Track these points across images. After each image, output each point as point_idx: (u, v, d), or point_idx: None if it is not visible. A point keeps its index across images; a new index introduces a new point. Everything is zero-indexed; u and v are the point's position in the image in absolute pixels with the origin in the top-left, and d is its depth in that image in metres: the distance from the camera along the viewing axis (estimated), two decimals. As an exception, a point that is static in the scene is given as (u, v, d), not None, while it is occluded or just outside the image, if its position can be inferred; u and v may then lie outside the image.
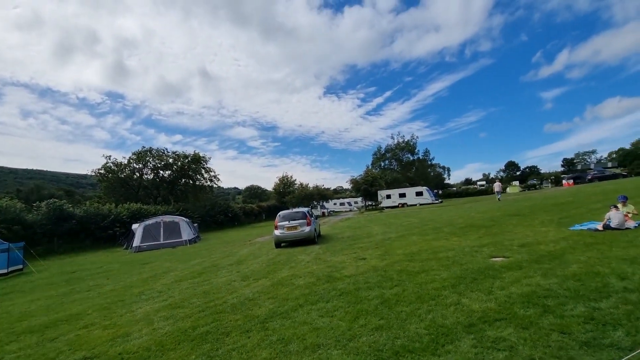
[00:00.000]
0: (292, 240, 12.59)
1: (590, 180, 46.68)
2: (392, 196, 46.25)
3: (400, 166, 69.46)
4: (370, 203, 46.64)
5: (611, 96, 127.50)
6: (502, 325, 3.39)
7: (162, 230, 20.75)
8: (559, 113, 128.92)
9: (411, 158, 71.56)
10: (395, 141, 71.46)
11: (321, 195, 48.09)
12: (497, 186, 31.30)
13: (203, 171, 45.46)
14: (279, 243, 12.76)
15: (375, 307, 4.46)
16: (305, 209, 13.89)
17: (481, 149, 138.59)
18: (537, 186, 58.54)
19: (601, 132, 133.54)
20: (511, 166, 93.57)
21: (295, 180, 54.93)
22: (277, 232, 12.59)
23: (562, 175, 62.06)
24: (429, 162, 74.66)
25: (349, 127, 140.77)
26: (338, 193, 76.04)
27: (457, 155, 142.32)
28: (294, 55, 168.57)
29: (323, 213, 45.97)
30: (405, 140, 71.26)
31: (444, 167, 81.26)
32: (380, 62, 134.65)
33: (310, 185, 50.73)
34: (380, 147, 71.91)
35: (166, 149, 44.43)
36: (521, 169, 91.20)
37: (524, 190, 52.00)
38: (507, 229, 10.15)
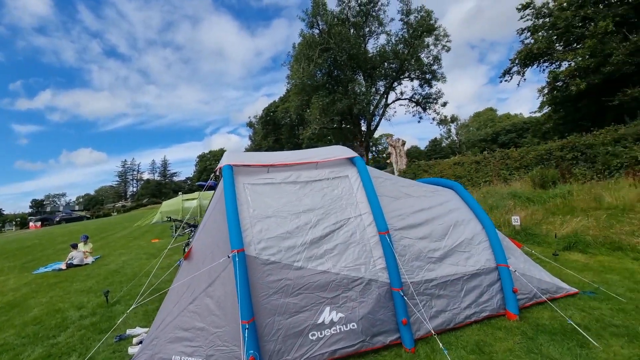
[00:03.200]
0: None
1: (59, 222, 47.66)
2: None
3: None
4: None
5: (85, 146, 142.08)
6: None
7: None
8: (34, 151, 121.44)
9: None
10: None
11: None
12: None
13: None
14: None
15: None
16: None
17: None
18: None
19: (73, 177, 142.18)
20: (-40, 204, 72.01)
21: None
22: None
23: (30, 217, 57.63)
24: None
25: None
26: None
27: None
28: None
29: None
30: None
31: None
32: None
33: None
34: None
35: None
36: (-24, 208, 72.77)
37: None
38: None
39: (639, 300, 3.44)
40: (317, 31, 21.19)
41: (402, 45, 22.23)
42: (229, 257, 2.70)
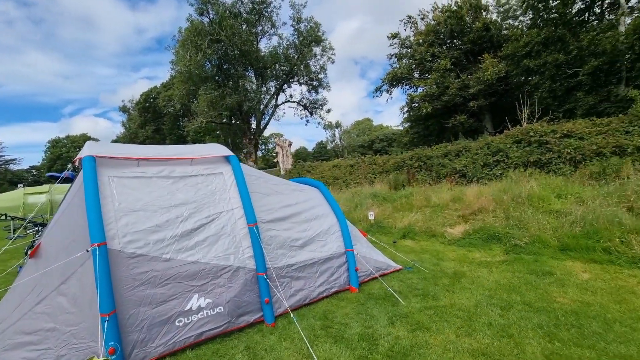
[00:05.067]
0: None
1: None
2: None
3: None
4: None
5: None
6: None
7: None
8: None
9: None
10: None
11: None
12: None
13: None
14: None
15: None
16: None
17: None
18: None
19: None
20: None
21: None
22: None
23: None
24: None
25: None
26: None
27: None
28: None
29: None
30: None
31: None
32: None
33: None
34: None
35: None
36: None
37: None
38: None
39: (436, 271, 4.81)
40: (207, 20, 20.16)
41: (292, 50, 23.26)
42: (87, 251, 2.64)
